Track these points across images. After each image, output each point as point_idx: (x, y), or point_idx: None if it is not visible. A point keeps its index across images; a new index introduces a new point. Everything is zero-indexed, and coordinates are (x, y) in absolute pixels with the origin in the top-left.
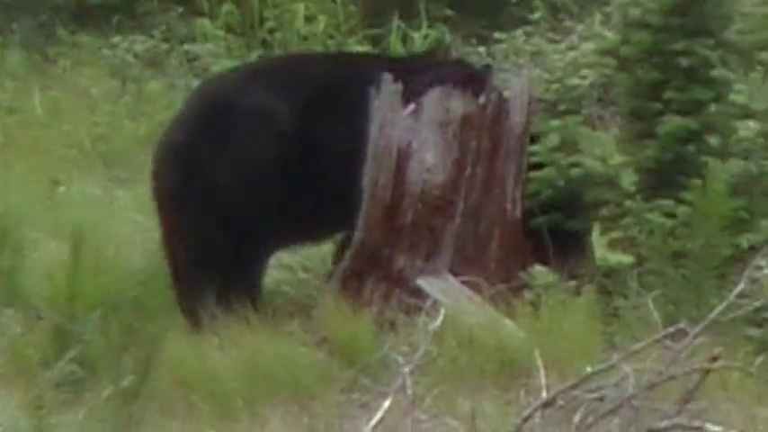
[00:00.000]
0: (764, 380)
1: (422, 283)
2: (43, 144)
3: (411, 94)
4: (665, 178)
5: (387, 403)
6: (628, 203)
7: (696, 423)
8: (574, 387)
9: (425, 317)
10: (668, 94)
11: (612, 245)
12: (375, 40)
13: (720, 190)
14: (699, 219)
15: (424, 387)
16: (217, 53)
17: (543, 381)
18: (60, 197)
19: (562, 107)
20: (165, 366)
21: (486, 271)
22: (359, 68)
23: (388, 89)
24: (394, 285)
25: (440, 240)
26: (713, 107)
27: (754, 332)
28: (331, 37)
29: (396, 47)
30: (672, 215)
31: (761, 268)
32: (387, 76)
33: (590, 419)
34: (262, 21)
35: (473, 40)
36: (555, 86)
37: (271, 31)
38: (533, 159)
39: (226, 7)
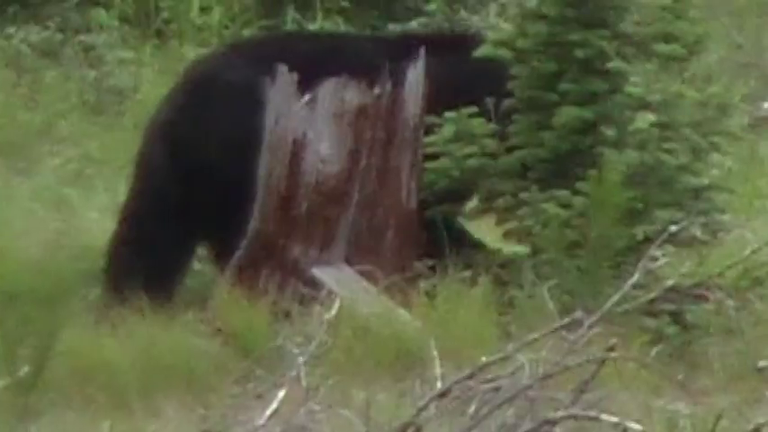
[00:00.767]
0: (659, 370)
1: (317, 273)
2: None
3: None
4: (560, 169)
5: (281, 394)
6: (523, 194)
7: (592, 413)
8: (469, 377)
9: (320, 307)
10: (564, 86)
11: (508, 235)
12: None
13: (616, 181)
14: (594, 209)
15: (319, 377)
16: (112, 43)
17: (438, 371)
18: None
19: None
20: (62, 357)
21: (381, 261)
22: (347, 46)
23: (283, 79)
24: (289, 275)
25: (335, 230)
26: (610, 98)
27: (650, 323)
28: (226, 27)
29: None
30: (567, 206)
31: (656, 259)
32: (282, 68)
33: (485, 410)
34: (157, 11)
35: (368, 31)
36: None
37: (166, 22)
38: (429, 150)
39: None
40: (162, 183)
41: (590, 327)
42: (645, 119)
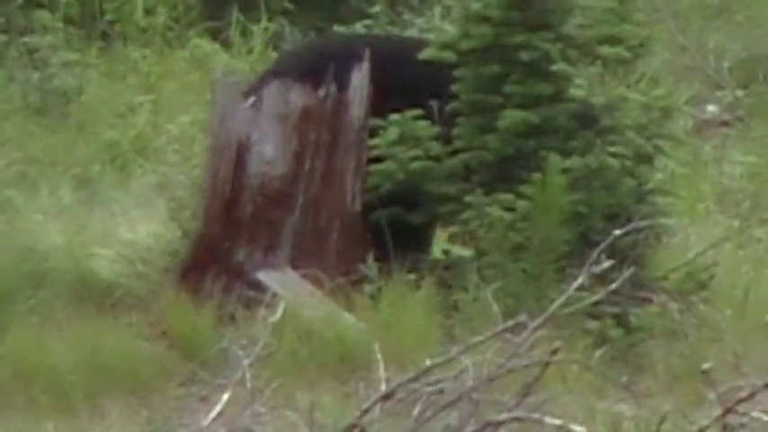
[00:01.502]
0: (603, 373)
1: (261, 276)
2: None
3: None
4: (505, 172)
5: (226, 396)
6: (468, 197)
7: (535, 416)
8: (413, 380)
9: (265, 310)
10: (508, 88)
11: (452, 238)
12: (215, 33)
13: (560, 184)
14: (538, 213)
15: (264, 380)
16: (56, 45)
17: (382, 374)
18: None
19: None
20: (5, 359)
21: (325, 264)
22: None
23: (226, 82)
24: (234, 278)
25: (279, 233)
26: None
27: (593, 325)
28: (170, 29)
29: (236, 39)
30: (512, 209)
31: (600, 262)
32: (225, 70)
33: (429, 412)
34: (101, 13)
35: (312, 33)
36: None
37: (111, 23)
38: (373, 153)
39: None
40: None
41: (534, 329)
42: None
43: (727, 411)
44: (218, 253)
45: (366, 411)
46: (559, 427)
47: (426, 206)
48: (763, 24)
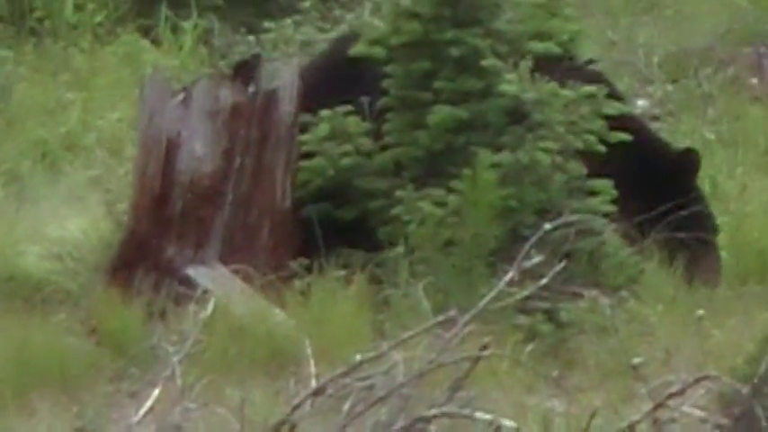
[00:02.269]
0: (534, 368)
1: (191, 272)
2: None
3: None
4: (435, 168)
5: (156, 392)
6: (398, 193)
7: (466, 411)
8: (343, 375)
9: (195, 306)
10: (438, 84)
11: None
12: (145, 30)
13: (490, 179)
14: (469, 208)
15: (194, 376)
16: None
17: (313, 369)
18: None
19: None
20: None
21: (255, 260)
22: None
23: (156, 79)
24: (164, 275)
25: (209, 230)
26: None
27: (524, 321)
28: (100, 25)
29: (166, 36)
30: (442, 204)
31: (530, 257)
32: (155, 67)
33: (360, 407)
34: (31, 9)
35: (242, 30)
36: None
37: (40, 20)
38: (303, 149)
39: None
40: None
41: (464, 325)
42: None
43: (658, 406)
44: (148, 250)
45: (296, 407)
46: (490, 422)
47: (357, 202)
48: (693, 19)
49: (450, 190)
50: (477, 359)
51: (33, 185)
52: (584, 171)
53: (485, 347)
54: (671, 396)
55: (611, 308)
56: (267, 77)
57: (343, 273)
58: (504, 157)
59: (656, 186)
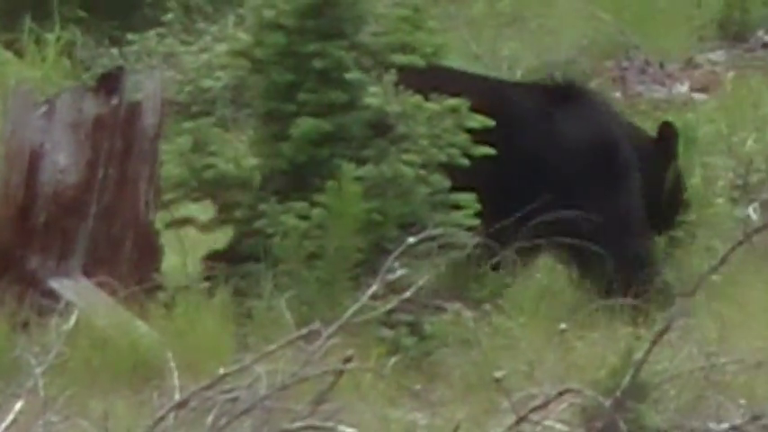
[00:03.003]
0: (397, 381)
1: (55, 284)
2: None
3: None
4: (299, 180)
5: (18, 405)
6: (261, 206)
7: (329, 424)
8: (207, 388)
9: (58, 318)
10: (302, 96)
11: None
12: (8, 43)
13: (354, 192)
14: (332, 221)
15: (57, 388)
16: None
17: (176, 382)
18: None
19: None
20: None
21: (119, 272)
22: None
23: (19, 91)
24: (27, 286)
25: (73, 241)
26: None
27: (387, 333)
28: None
29: (29, 48)
30: (306, 217)
31: (394, 270)
32: (18, 78)
33: (223, 420)
34: None
35: (106, 42)
36: (188, 88)
37: None
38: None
39: None
40: None
41: (328, 338)
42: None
43: (521, 419)
44: (11, 261)
45: (160, 420)
46: None
47: (220, 214)
48: (556, 32)
49: (314, 203)
50: (341, 372)
51: None
52: (448, 184)
53: (348, 360)
54: (534, 409)
55: (475, 321)
56: (131, 89)
57: (207, 285)
58: (368, 169)
59: None
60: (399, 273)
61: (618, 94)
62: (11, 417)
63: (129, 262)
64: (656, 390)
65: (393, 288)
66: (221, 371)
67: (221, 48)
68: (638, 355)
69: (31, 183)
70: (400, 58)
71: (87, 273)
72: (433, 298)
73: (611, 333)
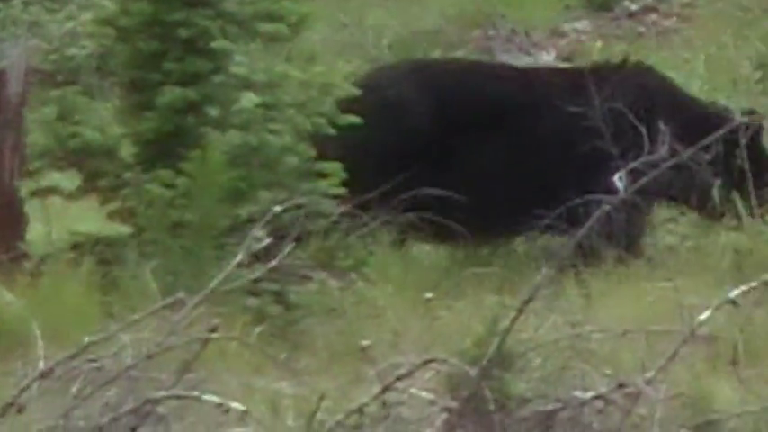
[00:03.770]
0: (262, 350)
1: None
2: None
3: None
4: (164, 149)
5: None
6: (126, 174)
7: (194, 393)
8: (72, 357)
9: None
10: (168, 65)
11: (112, 215)
12: None
13: (219, 161)
14: (197, 190)
15: None
16: None
17: (41, 351)
18: None
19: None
20: None
21: None
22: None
23: None
24: None
25: None
26: (213, 78)
27: (252, 302)
28: None
29: None
30: (171, 186)
31: (259, 239)
32: None
33: (88, 390)
34: None
35: None
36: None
37: None
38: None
39: None
40: None
41: (193, 307)
42: (249, 99)
43: (386, 388)
44: None
45: (24, 389)
46: (218, 404)
47: (86, 183)
48: (422, 2)
49: (180, 172)
50: (206, 341)
51: None
52: (314, 153)
53: (213, 329)
54: (399, 378)
55: (340, 290)
56: None
57: (72, 254)
58: (233, 138)
59: None
60: (265, 242)
61: None
62: None
63: None
64: (522, 358)
65: (259, 257)
66: (86, 340)
67: (87, 16)
68: (504, 324)
69: None
70: (266, 27)
71: None
72: (299, 267)
73: (477, 302)
